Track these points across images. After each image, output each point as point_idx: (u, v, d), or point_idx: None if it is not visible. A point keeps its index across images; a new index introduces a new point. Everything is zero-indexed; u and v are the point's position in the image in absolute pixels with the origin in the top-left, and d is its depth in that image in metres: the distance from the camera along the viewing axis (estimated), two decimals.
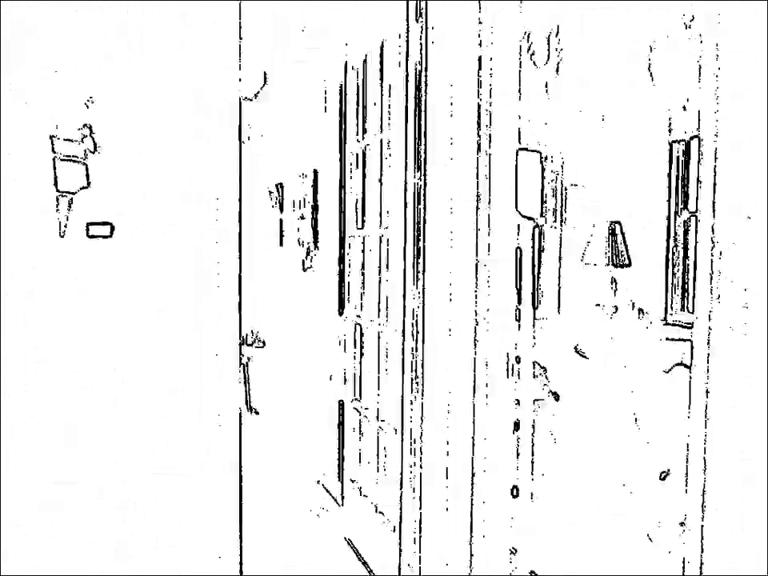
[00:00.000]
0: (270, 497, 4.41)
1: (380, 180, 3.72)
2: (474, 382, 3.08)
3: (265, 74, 6.79)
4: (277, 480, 4.63)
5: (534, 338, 2.99)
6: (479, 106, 3.21)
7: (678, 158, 2.26)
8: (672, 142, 2.29)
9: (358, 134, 3.96)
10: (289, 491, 4.55)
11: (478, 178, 3.27)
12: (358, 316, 4.00)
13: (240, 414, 2.39)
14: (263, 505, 4.24)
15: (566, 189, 2.84)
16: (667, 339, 1.89)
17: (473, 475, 2.99)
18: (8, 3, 1.67)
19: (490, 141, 3.24)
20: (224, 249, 2.50)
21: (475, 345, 3.13)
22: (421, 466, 3.02)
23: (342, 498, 4.32)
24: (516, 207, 3.14)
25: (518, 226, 3.19)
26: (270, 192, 6.31)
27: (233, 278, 2.60)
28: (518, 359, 3.00)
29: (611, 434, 2.19)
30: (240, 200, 2.68)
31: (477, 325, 3.11)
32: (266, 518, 4.12)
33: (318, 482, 4.70)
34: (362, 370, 3.96)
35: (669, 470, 1.68)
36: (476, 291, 3.21)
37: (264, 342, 6.67)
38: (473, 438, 3.03)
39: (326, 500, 4.48)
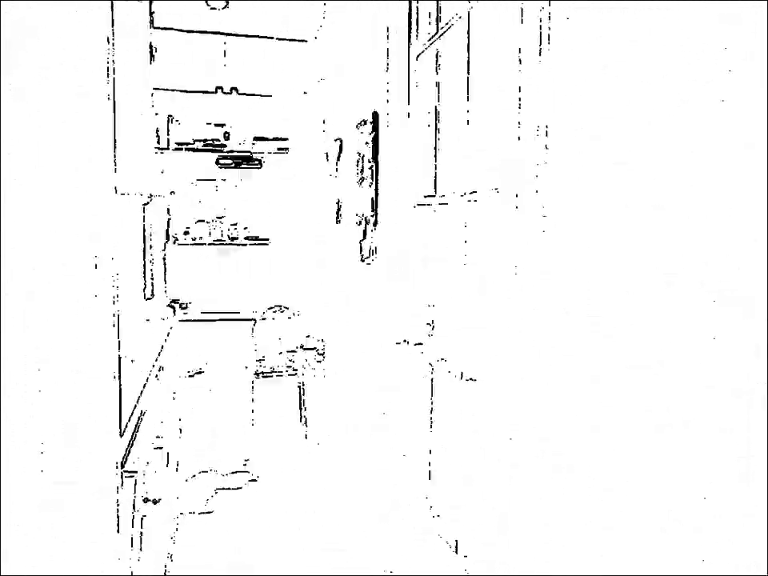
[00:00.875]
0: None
1: (467, 101, 2.10)
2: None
3: (323, 11, 5.29)
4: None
5: None
6: None
7: None
8: None
9: (431, 24, 2.35)
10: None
11: None
12: (420, 345, 2.42)
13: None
14: None
15: None
16: None
17: None
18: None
19: None
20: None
21: None
22: None
23: None
24: None
25: None
26: (327, 153, 4.83)
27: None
28: None
29: None
30: (115, 165, 1.40)
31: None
32: None
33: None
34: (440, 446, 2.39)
35: None
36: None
37: (324, 353, 5.24)
38: None
39: None
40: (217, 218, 5.67)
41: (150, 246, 2.88)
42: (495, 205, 1.97)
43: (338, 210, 4.19)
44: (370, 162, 3.12)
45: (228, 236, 5.60)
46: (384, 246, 3.07)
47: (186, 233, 5.57)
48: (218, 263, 5.55)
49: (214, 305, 5.41)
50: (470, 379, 2.18)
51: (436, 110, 2.60)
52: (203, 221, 5.64)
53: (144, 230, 2.81)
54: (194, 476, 4.12)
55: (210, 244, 5.51)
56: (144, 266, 2.77)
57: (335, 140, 4.29)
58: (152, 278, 2.99)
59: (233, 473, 4.18)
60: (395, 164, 2.88)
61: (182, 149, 5.43)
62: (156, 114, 5.36)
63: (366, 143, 3.12)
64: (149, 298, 2.90)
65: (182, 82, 5.45)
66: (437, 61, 2.51)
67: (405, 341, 2.65)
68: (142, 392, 2.02)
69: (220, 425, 5.02)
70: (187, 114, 5.52)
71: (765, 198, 1.08)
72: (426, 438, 2.60)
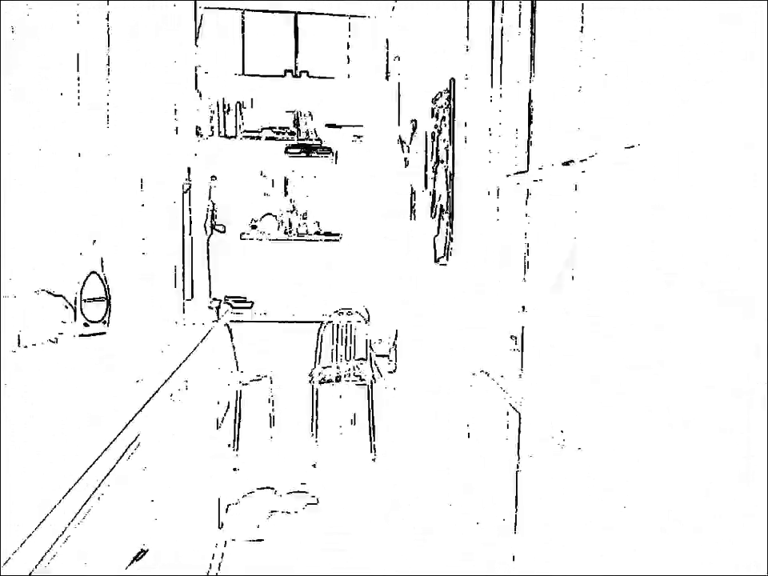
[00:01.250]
0: None
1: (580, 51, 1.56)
2: None
3: None
4: None
5: None
6: None
7: None
8: None
9: None
10: None
11: None
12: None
13: None
14: None
15: None
16: None
17: None
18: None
19: None
20: None
21: None
22: None
23: None
24: None
25: None
26: (401, 139, 4.30)
27: None
28: None
29: None
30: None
31: None
32: None
33: None
34: None
35: None
36: None
37: (395, 361, 4.74)
38: None
39: None
40: (286, 211, 5.29)
41: (191, 240, 2.49)
42: (623, 176, 1.41)
43: (412, 201, 3.67)
44: (445, 141, 2.59)
45: (296, 230, 5.21)
46: (461, 243, 2.54)
47: (254, 227, 5.22)
48: (285, 260, 5.17)
49: (277, 304, 5.02)
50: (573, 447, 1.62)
51: (531, 68, 2.04)
52: (271, 214, 5.27)
53: (183, 221, 2.42)
54: (248, 495, 3.72)
55: (276, 239, 5.13)
56: (183, 262, 2.38)
57: (410, 121, 3.77)
58: (191, 276, 2.60)
59: (290, 493, 3.76)
60: (476, 141, 2.34)
61: (250, 137, 5.07)
62: (224, 99, 5.02)
63: (442, 118, 2.59)
64: (188, 299, 2.52)
65: (251, 67, 5.10)
66: (533, 7, 1.95)
67: (483, 371, 2.11)
68: (136, 414, 1.59)
69: (278, 437, 4.61)
70: (257, 100, 5.16)
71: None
72: (510, 484, 2.05)
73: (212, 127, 4.93)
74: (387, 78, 4.97)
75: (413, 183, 3.60)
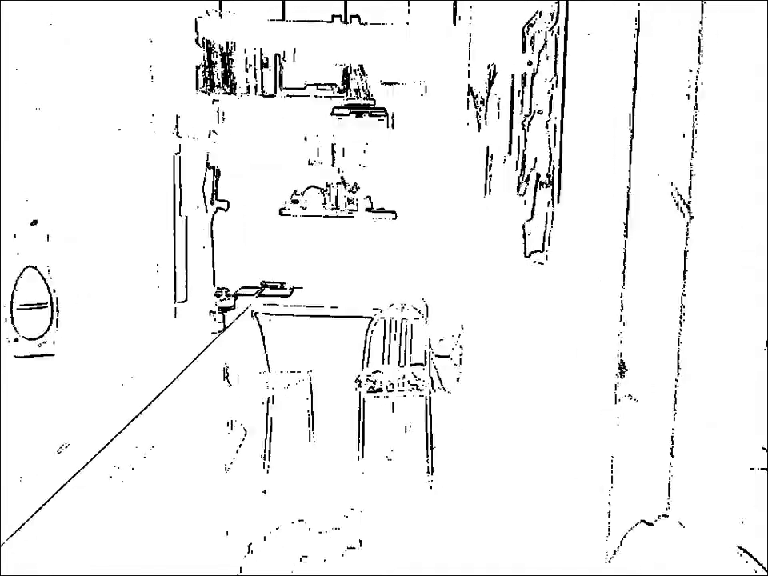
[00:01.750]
0: None
1: None
2: None
3: None
4: None
5: None
6: None
7: None
8: None
9: None
10: None
11: None
12: None
13: None
14: None
15: None
16: None
17: None
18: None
19: None
20: None
21: None
22: None
23: None
24: None
25: None
26: (472, 91, 3.42)
27: None
28: None
29: None
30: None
31: None
32: None
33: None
34: None
35: None
36: None
37: (460, 363, 3.95)
38: None
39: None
40: (336, 183, 4.53)
41: (184, 220, 1.79)
42: None
43: (488, 171, 2.84)
44: (547, 81, 1.75)
45: (345, 206, 4.45)
46: (573, 231, 1.72)
47: (295, 201, 4.50)
48: (331, 241, 4.42)
49: (319, 294, 4.28)
50: None
51: None
52: (316, 186, 4.52)
53: (175, 194, 1.72)
54: (276, 531, 3.03)
55: (323, 216, 4.39)
56: (174, 250, 1.70)
57: (486, 67, 2.92)
58: (185, 269, 1.89)
59: (325, 532, 3.06)
60: (606, 74, 1.50)
61: (291, 95, 4.31)
62: (260, 49, 4.27)
63: (543, 46, 1.74)
64: (181, 301, 1.84)
65: (292, 11, 4.32)
66: None
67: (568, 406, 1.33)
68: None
69: (317, 455, 3.86)
70: (299, 51, 4.39)
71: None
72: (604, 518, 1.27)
73: (238, 83, 4.19)
74: (455, 22, 4.10)
75: (490, 147, 2.77)
